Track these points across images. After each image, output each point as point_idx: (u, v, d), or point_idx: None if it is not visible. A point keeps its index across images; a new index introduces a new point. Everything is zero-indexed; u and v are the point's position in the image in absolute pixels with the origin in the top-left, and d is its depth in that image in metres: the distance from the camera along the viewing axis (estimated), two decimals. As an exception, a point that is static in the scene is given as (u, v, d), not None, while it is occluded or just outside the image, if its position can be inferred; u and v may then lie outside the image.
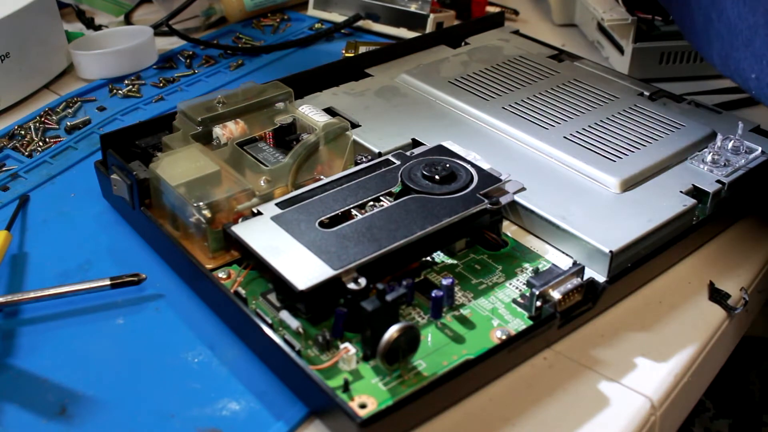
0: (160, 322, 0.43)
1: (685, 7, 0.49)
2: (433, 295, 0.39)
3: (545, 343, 0.41)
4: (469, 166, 0.45)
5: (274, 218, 0.42)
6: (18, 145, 0.59)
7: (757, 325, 0.52)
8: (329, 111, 0.55)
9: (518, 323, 0.40)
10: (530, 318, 0.40)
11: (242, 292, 0.40)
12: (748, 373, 0.88)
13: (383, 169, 0.46)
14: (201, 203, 0.42)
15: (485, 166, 0.46)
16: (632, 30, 0.65)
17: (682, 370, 0.40)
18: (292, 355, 0.36)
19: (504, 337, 0.39)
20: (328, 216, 0.42)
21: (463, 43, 0.66)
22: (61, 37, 0.70)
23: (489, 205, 0.43)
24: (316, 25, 0.79)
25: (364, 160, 0.48)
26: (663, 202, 0.45)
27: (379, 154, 0.50)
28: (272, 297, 0.40)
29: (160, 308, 0.43)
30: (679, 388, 0.39)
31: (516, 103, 0.55)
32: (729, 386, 0.87)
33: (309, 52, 0.75)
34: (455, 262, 0.44)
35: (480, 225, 0.44)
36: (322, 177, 0.46)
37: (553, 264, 0.42)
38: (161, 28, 0.75)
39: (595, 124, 0.53)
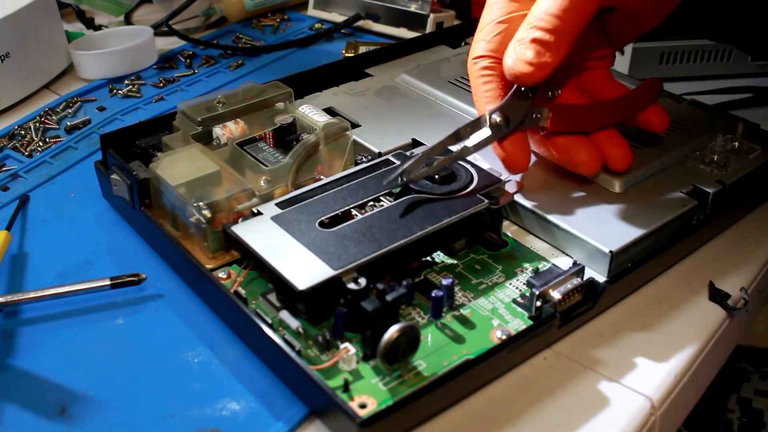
0: (160, 322, 0.42)
1: None
2: (433, 295, 0.39)
3: (545, 343, 0.41)
4: (469, 166, 0.45)
5: (274, 218, 0.42)
6: (18, 145, 0.59)
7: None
8: (329, 111, 0.55)
9: (518, 323, 0.40)
10: (530, 318, 0.40)
11: (242, 292, 0.40)
12: (726, 399, 0.85)
13: (383, 169, 0.46)
14: (201, 203, 0.42)
15: (485, 166, 0.46)
16: (632, 30, 0.65)
17: (682, 370, 0.40)
18: (292, 355, 0.36)
19: (504, 337, 0.39)
20: (328, 216, 0.42)
21: (463, 43, 0.66)
22: (61, 37, 0.70)
23: (489, 205, 0.43)
24: (316, 25, 0.79)
25: (364, 160, 0.48)
26: (663, 202, 0.45)
27: (379, 154, 0.50)
28: (272, 297, 0.40)
29: (160, 308, 0.43)
30: (679, 388, 0.39)
31: (516, 103, 0.55)
32: (706, 414, 0.84)
33: (309, 52, 0.75)
34: (455, 262, 0.44)
35: (480, 225, 0.44)
36: (322, 177, 0.46)
37: (553, 264, 0.42)
38: (161, 28, 0.75)
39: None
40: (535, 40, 0.41)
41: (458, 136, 0.44)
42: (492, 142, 0.44)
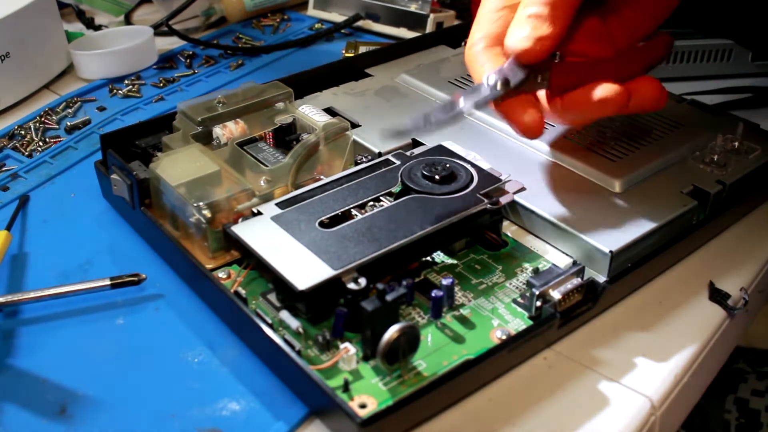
0: (160, 322, 0.43)
1: None
2: (433, 295, 0.39)
3: (545, 343, 0.41)
4: (469, 166, 0.45)
5: (274, 218, 0.42)
6: (18, 145, 0.59)
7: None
8: (329, 111, 0.55)
9: (518, 323, 0.40)
10: (530, 318, 0.40)
11: (242, 292, 0.40)
12: (723, 399, 0.85)
13: (383, 169, 0.46)
14: (201, 203, 0.42)
15: (485, 166, 0.46)
16: (632, 30, 0.65)
17: (682, 370, 0.40)
18: (292, 355, 0.36)
19: (504, 337, 0.39)
20: (328, 216, 0.42)
21: (462, 43, 0.66)
22: (61, 37, 0.70)
23: (489, 205, 0.43)
24: (316, 25, 0.80)
25: (364, 160, 0.48)
26: (663, 202, 0.45)
27: (379, 154, 0.50)
28: (272, 297, 0.40)
29: (160, 308, 0.43)
30: (679, 388, 0.39)
31: (516, 103, 0.55)
32: (704, 414, 0.84)
33: (309, 52, 0.75)
34: (455, 262, 0.44)
35: (480, 225, 0.44)
36: (322, 177, 0.46)
37: (553, 264, 0.42)
38: (161, 28, 0.75)
39: (595, 124, 0.52)
40: (530, 16, 0.41)
41: (455, 100, 0.42)
42: (490, 101, 0.42)
